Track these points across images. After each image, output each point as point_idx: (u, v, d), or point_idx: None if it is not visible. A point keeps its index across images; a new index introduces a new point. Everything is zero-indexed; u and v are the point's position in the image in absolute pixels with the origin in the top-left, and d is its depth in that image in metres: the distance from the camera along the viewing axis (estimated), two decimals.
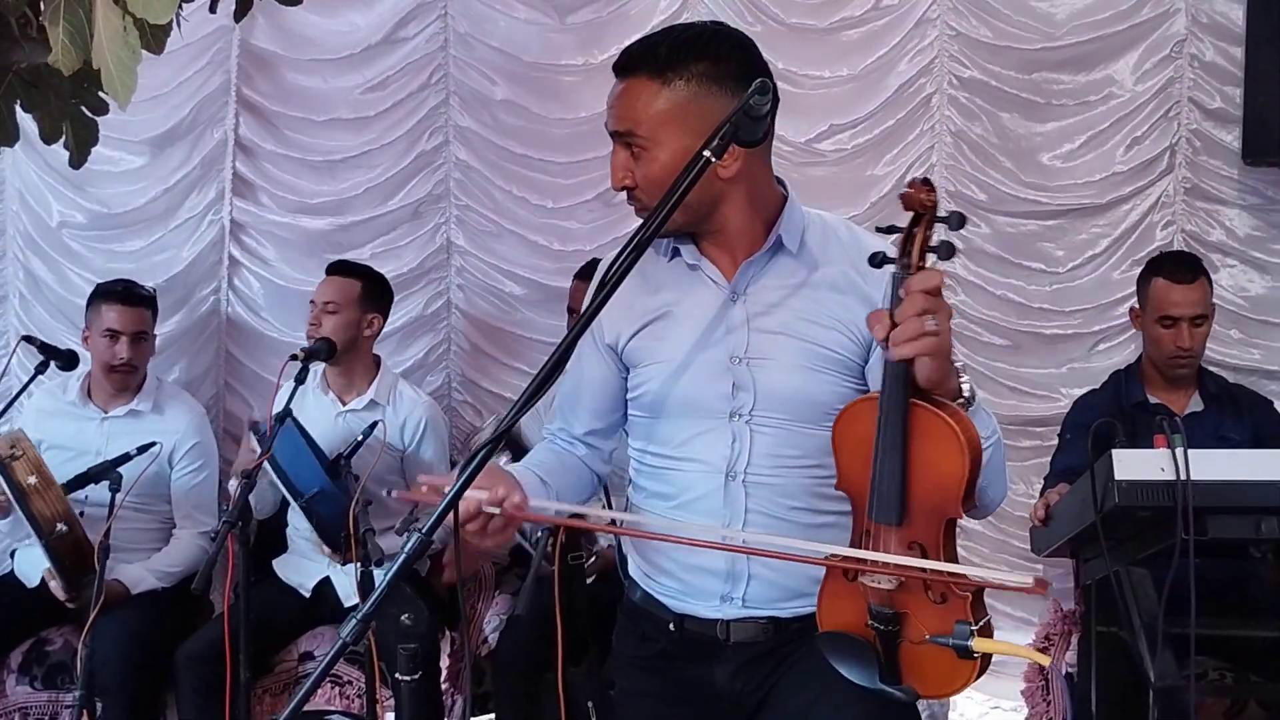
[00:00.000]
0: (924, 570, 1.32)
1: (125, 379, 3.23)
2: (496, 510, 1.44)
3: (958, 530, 1.39)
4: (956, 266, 3.61)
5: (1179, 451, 2.15)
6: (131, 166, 3.92)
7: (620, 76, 1.54)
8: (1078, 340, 3.63)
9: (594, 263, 2.30)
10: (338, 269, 3.27)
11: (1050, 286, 3.63)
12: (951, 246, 1.32)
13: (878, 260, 1.36)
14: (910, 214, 1.35)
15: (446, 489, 1.34)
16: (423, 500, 1.50)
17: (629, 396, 1.69)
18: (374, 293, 3.27)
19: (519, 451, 2.95)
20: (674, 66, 1.50)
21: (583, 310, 1.37)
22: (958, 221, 1.31)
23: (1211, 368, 3.19)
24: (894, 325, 1.29)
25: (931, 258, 1.33)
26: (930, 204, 1.34)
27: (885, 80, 3.66)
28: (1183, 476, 2.13)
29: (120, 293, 3.23)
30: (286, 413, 2.73)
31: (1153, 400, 2.99)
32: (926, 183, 1.34)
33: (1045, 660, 1.27)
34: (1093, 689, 2.55)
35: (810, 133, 3.66)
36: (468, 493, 1.39)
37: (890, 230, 1.37)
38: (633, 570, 1.76)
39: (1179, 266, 2.99)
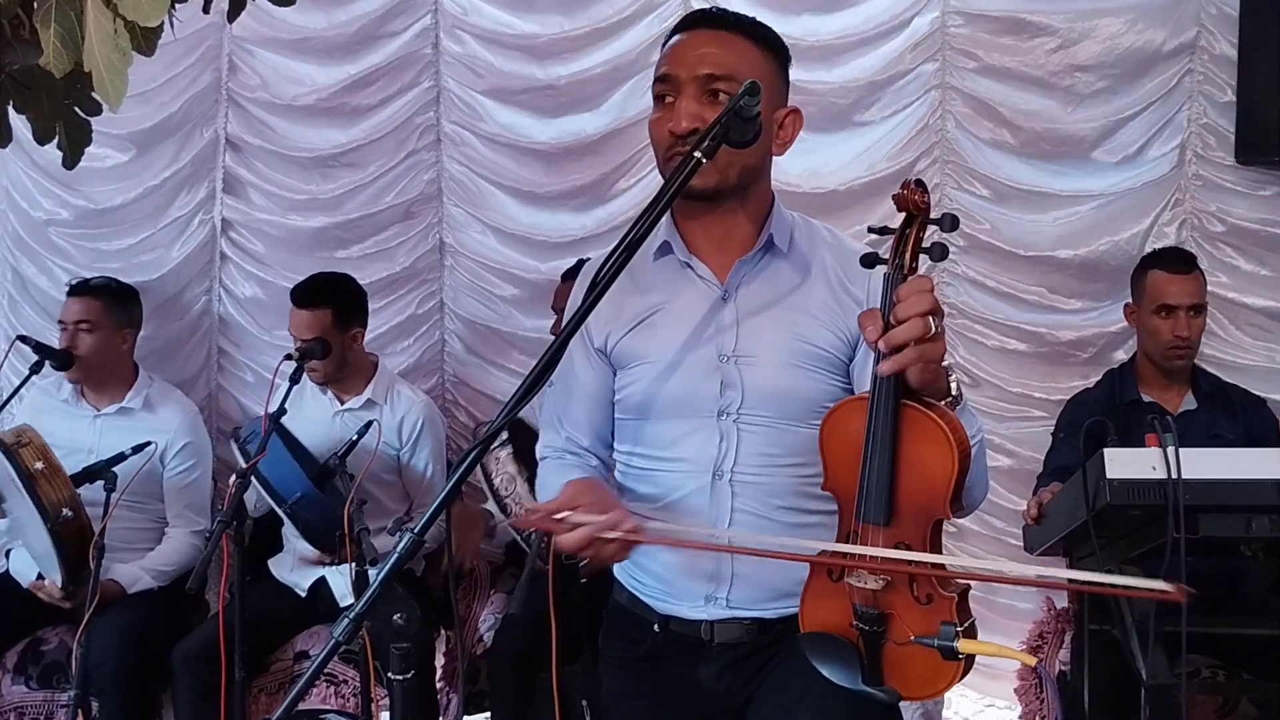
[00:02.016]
0: (941, 567, 1.32)
1: (76, 370, 3.20)
2: (615, 535, 1.41)
3: (952, 528, 1.40)
4: (959, 265, 3.60)
5: (1170, 450, 2.16)
6: (118, 162, 3.88)
7: (709, 28, 1.57)
8: (1086, 340, 3.58)
9: (581, 264, 2.29)
10: (303, 299, 3.15)
11: (1057, 283, 3.58)
12: (944, 248, 1.33)
13: (870, 261, 1.37)
14: (902, 215, 1.36)
15: (559, 515, 1.37)
16: (536, 526, 1.50)
17: (615, 399, 1.69)
18: (347, 310, 3.20)
19: (530, 440, 2.94)
20: (769, 42, 1.59)
21: (572, 312, 1.37)
22: (950, 224, 1.32)
23: (1211, 367, 3.19)
24: (887, 326, 1.29)
25: (924, 259, 1.34)
26: (923, 206, 1.35)
27: (889, 67, 3.61)
28: (1174, 475, 2.14)
29: (75, 286, 3.30)
30: (281, 412, 2.73)
31: (1146, 399, 3.00)
32: (920, 184, 1.36)
33: (1031, 661, 1.27)
34: (1085, 687, 2.56)
35: (810, 119, 3.61)
36: (580, 518, 1.39)
37: (883, 231, 1.38)
38: (618, 572, 1.76)
39: (1175, 259, 3.04)
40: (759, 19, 1.62)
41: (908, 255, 1.34)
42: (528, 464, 2.91)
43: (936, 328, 1.28)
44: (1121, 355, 3.48)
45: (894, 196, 1.36)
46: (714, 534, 1.57)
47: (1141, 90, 3.50)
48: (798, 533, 1.55)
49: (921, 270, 1.36)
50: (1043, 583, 1.34)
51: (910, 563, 1.32)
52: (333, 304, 3.15)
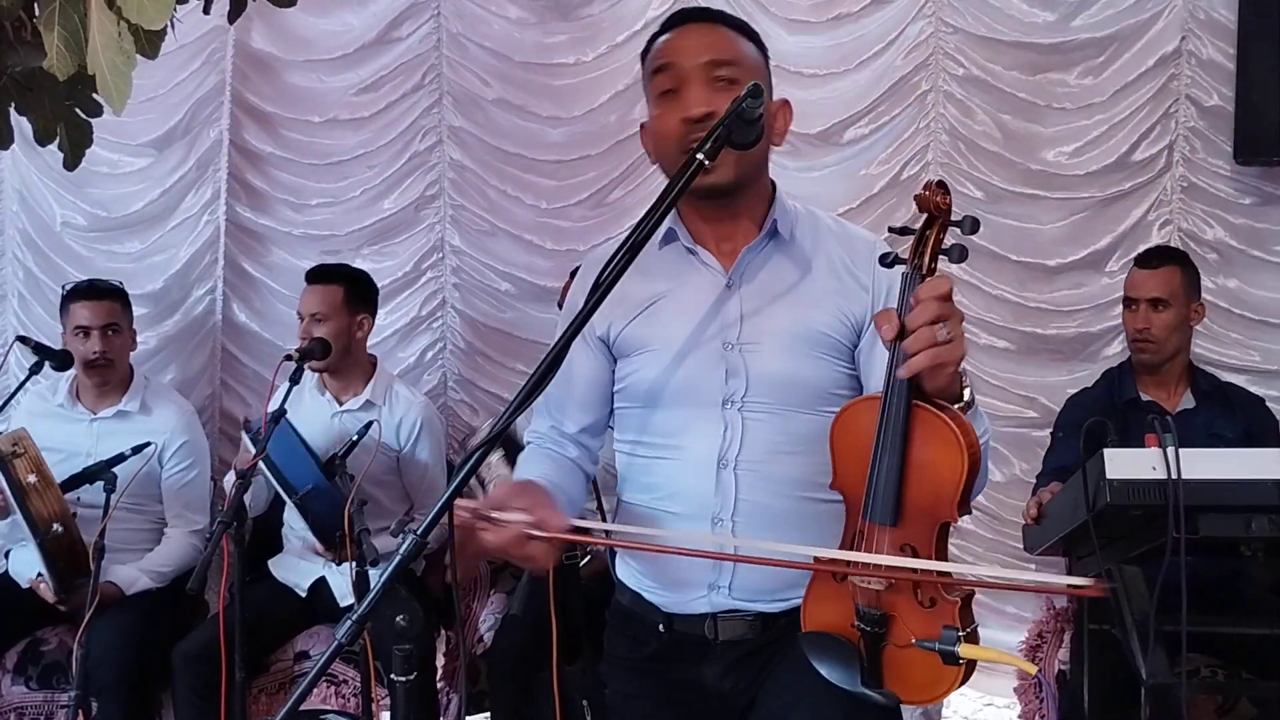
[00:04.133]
0: (970, 578, 1.31)
1: (104, 373, 3.21)
2: (542, 534, 1.39)
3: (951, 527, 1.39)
4: (952, 266, 3.60)
5: (1170, 450, 2.15)
6: (131, 169, 3.94)
7: (699, 22, 1.59)
8: (1075, 340, 3.61)
9: None
10: (316, 276, 3.20)
11: (1047, 286, 3.62)
12: (964, 249, 1.32)
13: (889, 260, 1.36)
14: (924, 216, 1.35)
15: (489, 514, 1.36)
16: (465, 525, 1.46)
17: (616, 388, 1.68)
18: (358, 293, 3.23)
19: (514, 449, 2.95)
20: (751, 36, 1.61)
21: (573, 309, 1.37)
22: (971, 226, 1.31)
23: (1208, 367, 3.19)
24: (903, 326, 1.29)
25: (943, 260, 1.33)
26: (944, 207, 1.34)
27: (882, 76, 3.65)
28: (1174, 475, 2.13)
29: (84, 289, 3.26)
30: (281, 412, 2.73)
31: (1144, 398, 3.00)
32: (941, 185, 1.35)
33: (1031, 669, 1.27)
34: (1085, 687, 2.56)
35: (805, 128, 3.65)
36: (508, 517, 1.38)
37: (904, 232, 1.38)
38: (620, 571, 1.75)
39: (1149, 254, 3.07)
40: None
41: (927, 256, 1.33)
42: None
43: (951, 333, 1.27)
44: (1108, 350, 3.53)
45: (915, 196, 1.34)
46: (718, 541, 1.56)
47: (1130, 95, 3.54)
48: (805, 521, 1.54)
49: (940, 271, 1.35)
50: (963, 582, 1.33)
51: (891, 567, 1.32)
52: (344, 282, 3.19)
